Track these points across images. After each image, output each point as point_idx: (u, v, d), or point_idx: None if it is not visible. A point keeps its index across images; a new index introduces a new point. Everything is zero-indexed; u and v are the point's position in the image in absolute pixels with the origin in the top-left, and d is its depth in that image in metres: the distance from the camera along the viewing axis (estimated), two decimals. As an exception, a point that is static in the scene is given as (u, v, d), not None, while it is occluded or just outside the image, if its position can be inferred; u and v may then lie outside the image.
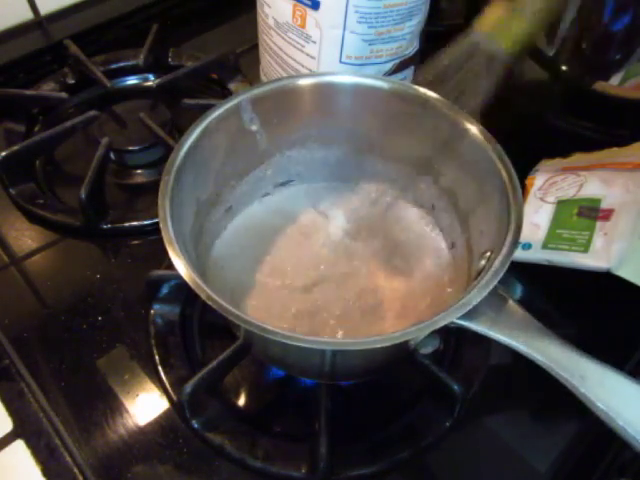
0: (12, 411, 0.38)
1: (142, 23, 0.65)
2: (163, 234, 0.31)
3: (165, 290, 0.42)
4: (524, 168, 0.50)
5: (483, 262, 0.34)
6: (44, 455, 0.36)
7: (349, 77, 0.41)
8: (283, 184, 0.46)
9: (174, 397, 0.39)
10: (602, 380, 0.29)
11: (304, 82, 0.41)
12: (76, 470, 0.36)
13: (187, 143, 0.36)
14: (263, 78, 0.57)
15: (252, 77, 0.60)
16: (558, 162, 0.51)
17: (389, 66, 0.49)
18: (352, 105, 0.41)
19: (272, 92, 0.40)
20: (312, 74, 0.47)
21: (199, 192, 0.39)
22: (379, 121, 0.42)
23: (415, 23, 0.47)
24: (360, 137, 0.44)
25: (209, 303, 0.29)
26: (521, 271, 0.41)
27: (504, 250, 0.31)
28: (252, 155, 0.43)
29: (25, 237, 0.48)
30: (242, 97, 0.39)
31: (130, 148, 0.53)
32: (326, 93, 0.41)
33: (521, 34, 0.34)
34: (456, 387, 0.36)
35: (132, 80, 0.62)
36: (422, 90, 0.39)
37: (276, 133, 0.42)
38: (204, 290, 0.29)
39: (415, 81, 0.36)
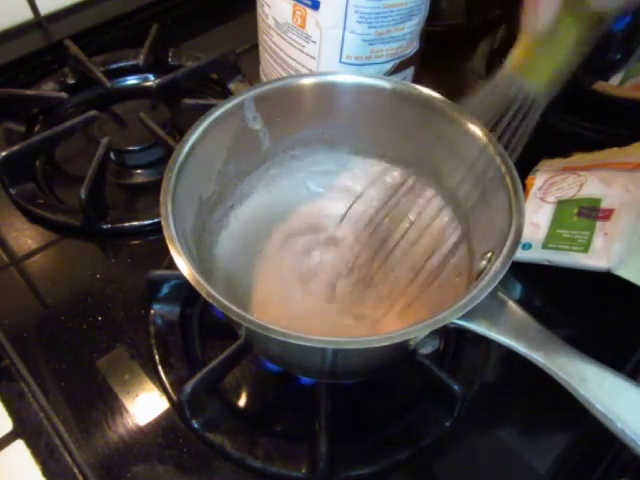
0: (12, 411, 0.38)
1: (142, 23, 0.65)
2: (164, 231, 0.31)
3: (165, 290, 0.42)
4: (524, 168, 0.50)
5: (484, 263, 0.34)
6: (44, 455, 0.36)
7: (352, 77, 0.41)
8: (286, 183, 0.46)
9: (174, 397, 0.39)
10: (602, 383, 0.28)
11: (307, 81, 0.41)
12: (76, 470, 0.36)
13: (190, 141, 0.36)
14: (263, 78, 0.57)
15: (252, 77, 0.60)
16: (558, 162, 0.51)
17: (389, 66, 0.49)
18: (354, 105, 0.41)
19: (275, 91, 0.40)
20: (315, 73, 0.47)
21: (201, 190, 0.39)
22: (381, 121, 0.42)
23: (415, 23, 0.47)
24: (362, 137, 0.44)
25: (209, 301, 0.29)
26: (521, 271, 0.41)
27: (505, 251, 0.31)
28: (255, 154, 0.43)
29: (25, 237, 0.48)
30: (246, 95, 0.39)
31: (130, 148, 0.53)
32: (329, 93, 0.41)
33: (552, 70, 0.33)
34: (456, 387, 0.36)
35: (132, 80, 0.62)
36: (424, 90, 0.39)
37: (279, 132, 0.42)
38: (204, 287, 0.29)
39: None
